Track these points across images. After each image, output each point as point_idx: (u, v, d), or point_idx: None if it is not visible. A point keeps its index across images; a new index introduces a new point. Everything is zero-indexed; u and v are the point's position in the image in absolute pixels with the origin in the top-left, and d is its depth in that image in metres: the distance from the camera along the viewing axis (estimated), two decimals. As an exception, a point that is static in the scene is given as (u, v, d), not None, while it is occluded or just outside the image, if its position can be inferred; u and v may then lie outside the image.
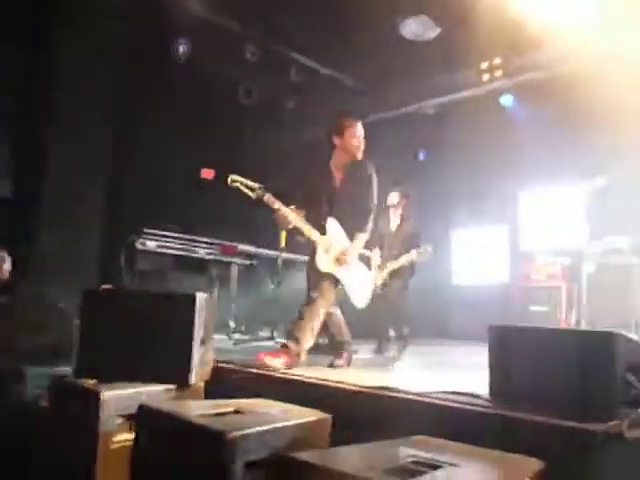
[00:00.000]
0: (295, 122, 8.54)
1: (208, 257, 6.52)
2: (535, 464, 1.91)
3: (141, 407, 2.43)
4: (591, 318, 6.19)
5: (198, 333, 3.16)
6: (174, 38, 7.14)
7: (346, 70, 8.33)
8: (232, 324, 6.31)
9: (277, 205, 3.79)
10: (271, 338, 5.84)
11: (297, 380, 3.13)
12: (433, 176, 8.43)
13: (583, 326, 6.25)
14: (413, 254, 5.53)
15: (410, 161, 8.76)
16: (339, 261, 3.84)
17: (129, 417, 2.70)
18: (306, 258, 4.27)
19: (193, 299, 3.17)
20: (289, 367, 3.51)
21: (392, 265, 5.59)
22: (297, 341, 3.65)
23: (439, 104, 8.21)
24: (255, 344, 5.60)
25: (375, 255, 5.59)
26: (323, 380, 3.06)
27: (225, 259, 6.61)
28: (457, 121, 8.08)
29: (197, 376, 3.12)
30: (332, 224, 3.92)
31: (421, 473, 1.78)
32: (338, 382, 2.99)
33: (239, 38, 7.35)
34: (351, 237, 3.93)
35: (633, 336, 2.41)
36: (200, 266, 6.56)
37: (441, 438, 2.28)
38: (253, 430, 2.10)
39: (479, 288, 7.84)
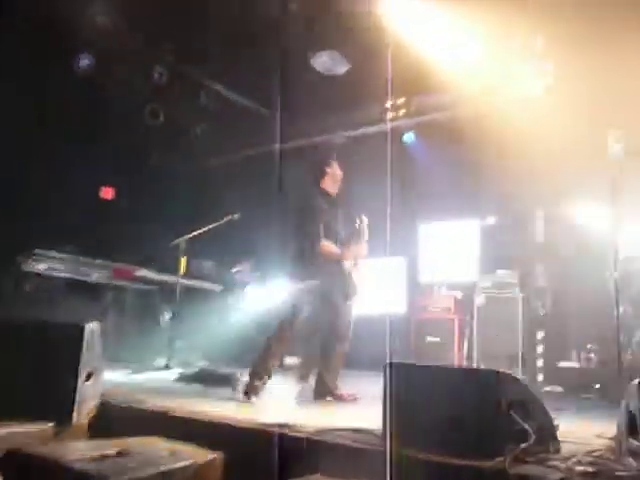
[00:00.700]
0: (204, 147, 8.42)
1: (101, 281, 6.19)
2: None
3: (9, 453, 2.21)
4: (481, 349, 6.50)
5: (85, 367, 2.96)
6: (77, 52, 6.84)
7: (258, 98, 8.37)
8: (125, 354, 6.00)
9: None
10: (167, 367, 5.62)
11: (189, 417, 3.00)
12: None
13: (475, 357, 6.54)
14: None
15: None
16: None
17: (-1, 462, 2.46)
18: (209, 285, 4.20)
19: (81, 329, 2.97)
20: None
21: None
22: None
23: (346, 137, 8.43)
24: (149, 375, 5.35)
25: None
26: (217, 417, 2.95)
27: (120, 284, 6.31)
28: (363, 154, 8.31)
29: (81, 413, 2.91)
30: None
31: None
32: (232, 419, 2.90)
33: (147, 57, 7.18)
34: None
35: (518, 374, 2.54)
36: (94, 291, 6.21)
37: (340, 477, 2.27)
38: (134, 476, 1.97)
39: (378, 318, 8.00)
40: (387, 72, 7.29)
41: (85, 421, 2.98)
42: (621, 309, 6.10)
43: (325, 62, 7.40)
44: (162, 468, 2.11)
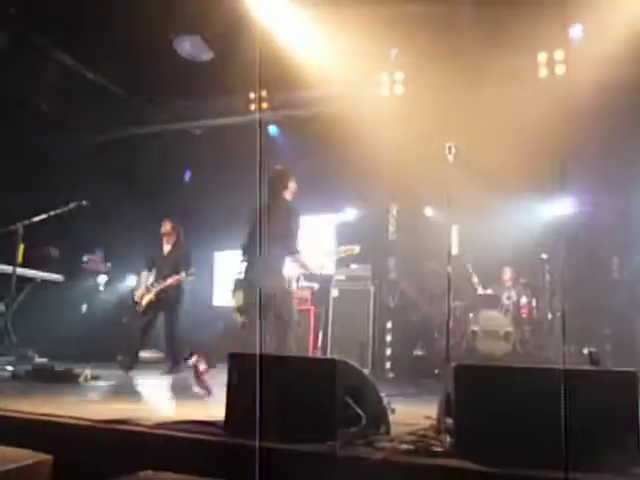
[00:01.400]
0: (49, 124, 7.79)
1: None
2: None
3: None
4: (335, 340, 6.76)
5: None
6: None
7: (117, 79, 7.92)
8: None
9: None
10: None
11: (15, 417, 2.78)
12: (197, 197, 8.43)
13: (329, 347, 6.79)
14: (182, 275, 6.02)
15: (177, 180, 8.65)
16: None
17: None
18: (50, 275, 3.91)
19: None
20: None
21: (160, 286, 5.98)
22: None
23: (207, 126, 8.28)
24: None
25: (144, 277, 6.08)
26: (45, 416, 2.76)
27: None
28: (223, 145, 8.23)
29: None
30: None
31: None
32: (63, 417, 2.73)
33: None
34: None
35: (368, 362, 2.66)
36: None
37: (179, 471, 2.23)
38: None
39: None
40: (252, 63, 7.29)
41: None
42: (457, 303, 6.74)
43: (187, 47, 7.21)
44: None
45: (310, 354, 6.54)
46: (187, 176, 8.72)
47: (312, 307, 7.10)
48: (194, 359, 4.24)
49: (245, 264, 4.53)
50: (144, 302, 5.93)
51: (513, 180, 6.49)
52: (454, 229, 4.16)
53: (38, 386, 4.27)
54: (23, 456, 2.24)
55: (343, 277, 7.03)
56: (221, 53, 7.20)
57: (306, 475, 2.27)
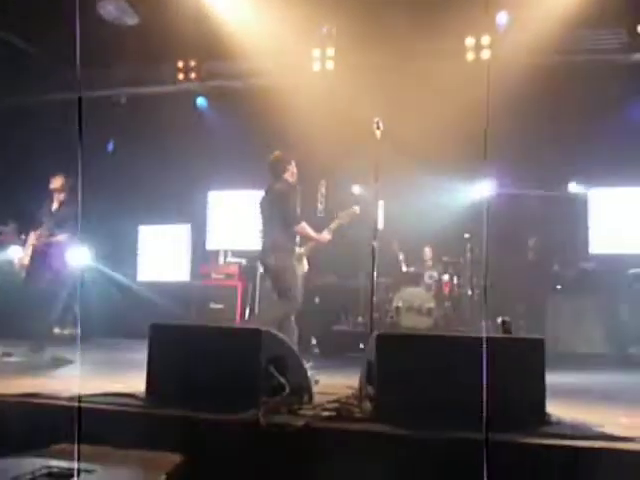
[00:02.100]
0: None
1: None
2: (174, 459, 1.95)
3: None
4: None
5: None
6: None
7: (37, 42, 7.44)
8: None
9: None
10: None
11: None
12: (123, 170, 8.10)
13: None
14: (60, 237, 5.40)
15: (99, 150, 8.26)
16: None
17: None
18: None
19: None
20: None
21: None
22: None
23: (133, 94, 7.95)
24: None
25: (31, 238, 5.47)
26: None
27: None
28: (150, 115, 7.94)
29: None
30: None
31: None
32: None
33: None
34: None
35: (277, 332, 2.67)
36: None
37: (97, 443, 2.17)
38: None
39: (163, 285, 7.82)
40: (180, 30, 7.04)
41: None
42: (382, 279, 6.88)
43: (112, 10, 6.87)
44: None
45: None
46: (110, 147, 8.34)
47: (239, 283, 7.05)
48: None
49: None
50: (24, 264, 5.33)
51: (438, 161, 6.67)
52: (380, 206, 4.22)
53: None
54: None
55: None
56: (147, 18, 6.91)
57: (230, 443, 2.27)
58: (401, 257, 7.19)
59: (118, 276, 7.86)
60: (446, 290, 7.12)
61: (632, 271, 6.45)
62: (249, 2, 6.76)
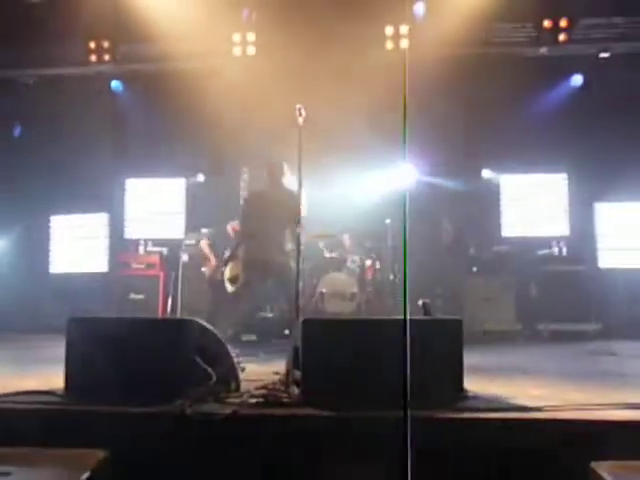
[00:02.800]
0: None
1: None
2: (98, 455, 1.89)
3: None
4: (185, 305, 6.63)
5: None
6: None
7: None
8: None
9: None
10: None
11: None
12: (32, 155, 7.64)
13: (179, 312, 6.64)
14: None
15: (5, 135, 7.75)
16: None
17: None
18: None
19: None
20: None
21: None
22: None
23: (41, 75, 7.49)
24: None
25: None
26: None
27: None
28: (61, 98, 7.52)
29: None
30: None
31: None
32: None
33: None
34: None
35: (204, 323, 2.64)
36: None
37: (16, 444, 2.06)
38: None
39: (78, 277, 7.48)
40: (92, 9, 6.70)
41: None
42: (305, 265, 6.92)
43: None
44: None
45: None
46: (17, 131, 7.83)
47: (161, 272, 6.88)
48: None
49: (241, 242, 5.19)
50: None
51: (358, 148, 6.78)
52: (303, 193, 4.23)
53: None
54: None
55: (193, 242, 6.88)
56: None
57: (156, 435, 2.23)
58: (322, 243, 7.24)
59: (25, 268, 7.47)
60: (369, 275, 7.27)
61: (540, 252, 6.88)
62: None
